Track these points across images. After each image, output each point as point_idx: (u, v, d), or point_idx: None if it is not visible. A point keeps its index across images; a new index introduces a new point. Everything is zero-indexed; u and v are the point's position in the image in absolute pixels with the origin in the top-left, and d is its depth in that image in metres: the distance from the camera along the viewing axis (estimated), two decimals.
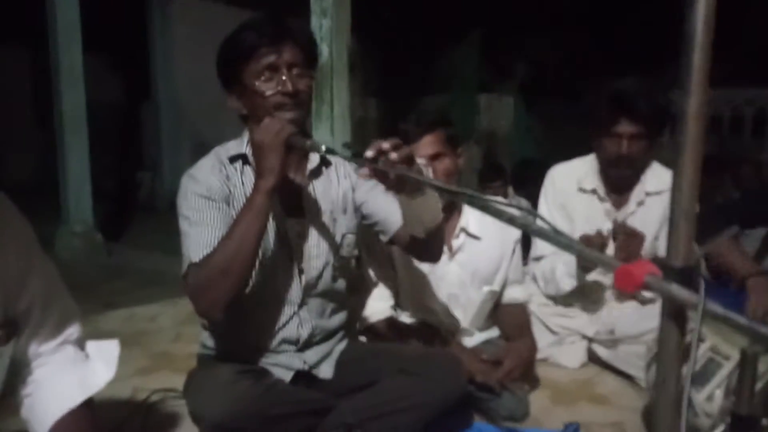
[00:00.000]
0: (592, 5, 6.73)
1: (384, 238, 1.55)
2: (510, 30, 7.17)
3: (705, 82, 0.85)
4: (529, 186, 4.24)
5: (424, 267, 1.91)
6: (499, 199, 2.20)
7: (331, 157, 1.56)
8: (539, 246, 2.27)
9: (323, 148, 1.28)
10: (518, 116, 7.59)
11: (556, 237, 1.04)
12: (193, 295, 1.33)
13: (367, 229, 1.59)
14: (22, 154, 8.56)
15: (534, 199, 4.02)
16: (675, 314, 0.88)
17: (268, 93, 1.38)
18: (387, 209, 1.52)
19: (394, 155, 1.16)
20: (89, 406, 1.17)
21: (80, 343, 1.23)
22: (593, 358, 2.27)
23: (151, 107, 7.34)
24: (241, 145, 1.49)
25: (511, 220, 1.12)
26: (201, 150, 5.59)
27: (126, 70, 8.20)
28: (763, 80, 7.07)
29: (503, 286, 2.07)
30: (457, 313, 2.02)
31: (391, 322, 1.94)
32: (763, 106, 7.64)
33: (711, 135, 6.38)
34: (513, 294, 2.09)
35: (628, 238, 2.00)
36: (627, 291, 0.89)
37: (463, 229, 1.99)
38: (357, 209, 1.57)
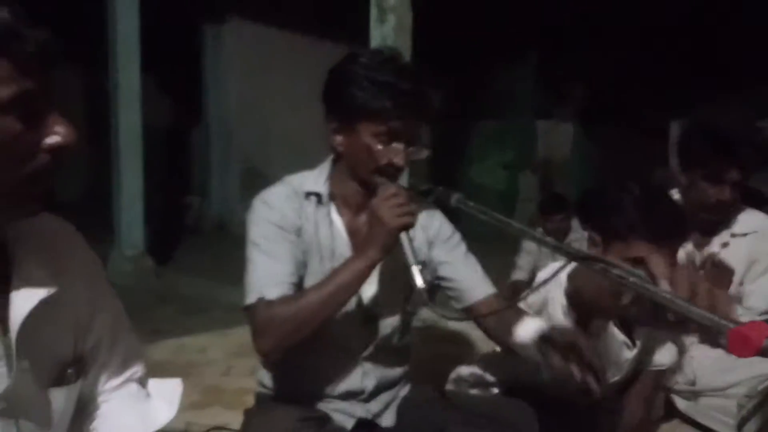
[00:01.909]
0: (655, 26, 6.61)
1: (456, 305, 1.51)
2: (568, 51, 7.09)
3: None
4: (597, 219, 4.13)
5: None
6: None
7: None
8: None
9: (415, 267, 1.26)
10: (577, 143, 7.48)
11: (654, 291, 0.98)
12: (260, 333, 1.32)
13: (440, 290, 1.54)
14: (73, 173, 8.86)
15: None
16: None
17: (379, 158, 1.35)
18: (468, 278, 1.48)
19: None
20: None
21: (143, 382, 1.22)
22: (671, 409, 2.17)
23: (201, 130, 7.50)
24: (318, 179, 1.45)
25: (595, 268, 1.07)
26: (250, 175, 5.72)
27: (177, 93, 8.42)
28: None
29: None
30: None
31: None
32: None
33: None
34: (656, 358, 1.86)
35: (717, 271, 1.90)
36: (741, 356, 0.83)
37: None
38: (432, 268, 1.51)
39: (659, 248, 1.55)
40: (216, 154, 7.30)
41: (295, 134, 6.22)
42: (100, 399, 1.14)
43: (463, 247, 1.54)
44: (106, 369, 1.12)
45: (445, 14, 5.53)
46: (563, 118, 7.48)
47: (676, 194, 2.20)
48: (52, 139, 0.83)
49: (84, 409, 1.13)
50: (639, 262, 1.55)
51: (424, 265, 1.49)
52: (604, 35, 6.84)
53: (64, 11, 6.51)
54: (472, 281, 1.49)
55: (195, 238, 6.72)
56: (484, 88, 7.74)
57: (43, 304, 0.93)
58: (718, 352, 2.11)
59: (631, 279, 0.95)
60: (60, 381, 1.00)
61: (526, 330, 1.39)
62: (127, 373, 1.17)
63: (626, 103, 7.14)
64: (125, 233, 4.73)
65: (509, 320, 1.43)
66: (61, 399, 1.00)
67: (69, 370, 1.01)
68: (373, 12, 3.08)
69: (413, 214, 1.30)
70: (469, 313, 1.50)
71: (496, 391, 1.87)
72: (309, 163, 1.52)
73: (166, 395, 1.20)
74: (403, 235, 1.28)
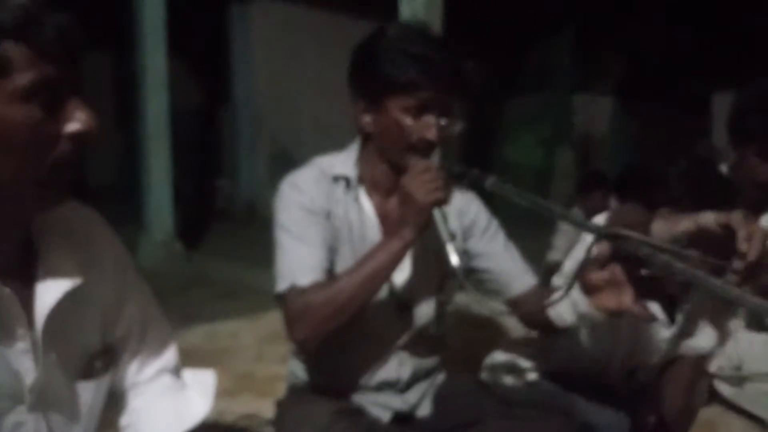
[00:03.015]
0: None
1: (496, 298, 1.49)
2: (607, 21, 6.92)
3: None
4: (637, 197, 4.07)
5: None
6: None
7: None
8: None
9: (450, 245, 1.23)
10: (616, 117, 7.34)
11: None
12: (295, 321, 1.30)
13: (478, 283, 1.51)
14: (104, 157, 9.01)
15: None
16: None
17: (410, 133, 1.31)
18: (508, 270, 1.45)
19: None
20: None
21: (177, 371, 1.23)
22: (715, 396, 2.12)
23: (230, 113, 7.55)
24: (347, 162, 1.42)
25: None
26: (279, 157, 5.74)
27: (204, 75, 8.46)
28: None
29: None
30: None
31: None
32: None
33: None
34: (695, 341, 1.83)
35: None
36: None
37: None
38: (468, 259, 1.47)
39: None
40: (245, 136, 7.35)
41: (324, 115, 6.23)
42: (134, 391, 1.14)
43: (501, 235, 1.50)
44: (138, 359, 1.12)
45: None
46: (601, 92, 7.34)
47: (723, 169, 2.14)
48: (72, 126, 0.82)
49: (116, 401, 1.13)
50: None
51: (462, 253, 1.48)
52: (643, 5, 6.67)
53: None
54: (512, 273, 1.46)
55: (224, 221, 6.78)
56: (519, 62, 7.62)
57: (69, 295, 0.94)
58: (766, 335, 2.06)
59: (683, 267, 0.92)
60: (88, 374, 1.00)
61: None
62: (160, 363, 1.16)
63: (667, 76, 6.98)
64: (154, 218, 4.80)
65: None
66: (89, 392, 1.01)
67: (97, 363, 1.01)
68: None
69: (445, 190, 1.26)
70: (511, 305, 1.48)
71: (532, 376, 1.86)
72: (339, 145, 1.49)
73: (201, 387, 1.19)
74: (435, 212, 1.26)
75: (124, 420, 1.14)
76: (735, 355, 2.08)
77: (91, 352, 1.01)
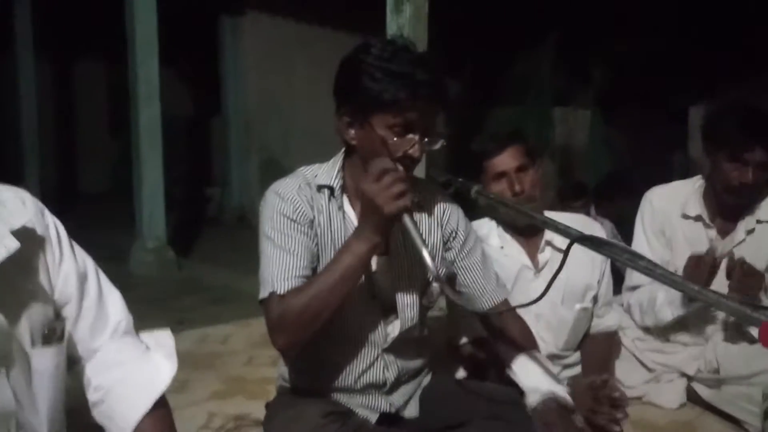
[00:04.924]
0: (674, 9, 6.48)
1: (468, 308, 1.51)
2: (587, 36, 6.96)
3: None
4: (615, 206, 4.10)
5: (508, 285, 1.72)
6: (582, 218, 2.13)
7: (427, 201, 1.48)
8: (635, 274, 2.14)
9: (425, 251, 1.21)
10: (596, 129, 7.38)
11: (653, 270, 0.96)
12: (275, 329, 1.30)
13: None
14: (98, 164, 8.97)
15: (619, 221, 3.89)
16: None
17: (395, 150, 1.29)
18: (483, 285, 1.48)
19: None
20: (162, 402, 1.15)
21: (134, 333, 1.21)
22: (693, 397, 2.13)
23: (221, 122, 7.52)
24: (330, 173, 1.42)
25: (601, 250, 1.06)
26: (269, 165, 5.69)
27: (196, 84, 8.45)
28: None
29: (594, 306, 2.01)
30: (546, 336, 1.92)
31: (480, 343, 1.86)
32: None
33: None
34: (604, 321, 2.03)
35: (745, 277, 1.86)
36: None
37: (549, 243, 1.89)
38: (446, 266, 1.49)
39: (506, 149, 1.81)
40: (235, 145, 7.32)
41: (313, 125, 6.22)
42: (95, 362, 1.14)
43: (479, 250, 1.51)
44: (85, 322, 1.13)
45: None
46: (581, 104, 7.37)
47: (699, 180, 2.15)
48: None
49: (74, 367, 1.14)
50: (503, 175, 1.77)
51: (442, 260, 1.48)
52: (622, 20, 6.73)
53: (86, 7, 6.56)
54: (485, 288, 1.49)
55: (216, 228, 6.75)
56: (501, 74, 7.65)
57: (10, 261, 0.96)
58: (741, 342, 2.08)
59: (658, 270, 0.93)
60: (46, 339, 1.04)
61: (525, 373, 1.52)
62: (111, 324, 1.16)
63: (645, 89, 7.04)
64: (147, 225, 4.76)
65: (508, 326, 1.51)
66: (50, 357, 1.04)
67: (53, 329, 1.06)
68: (390, 1, 3.05)
69: (408, 194, 1.23)
70: (482, 317, 1.52)
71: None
72: (327, 153, 1.49)
73: (164, 350, 1.19)
74: (406, 220, 1.23)
75: (93, 396, 1.13)
76: (713, 359, 2.09)
77: (46, 318, 1.05)
